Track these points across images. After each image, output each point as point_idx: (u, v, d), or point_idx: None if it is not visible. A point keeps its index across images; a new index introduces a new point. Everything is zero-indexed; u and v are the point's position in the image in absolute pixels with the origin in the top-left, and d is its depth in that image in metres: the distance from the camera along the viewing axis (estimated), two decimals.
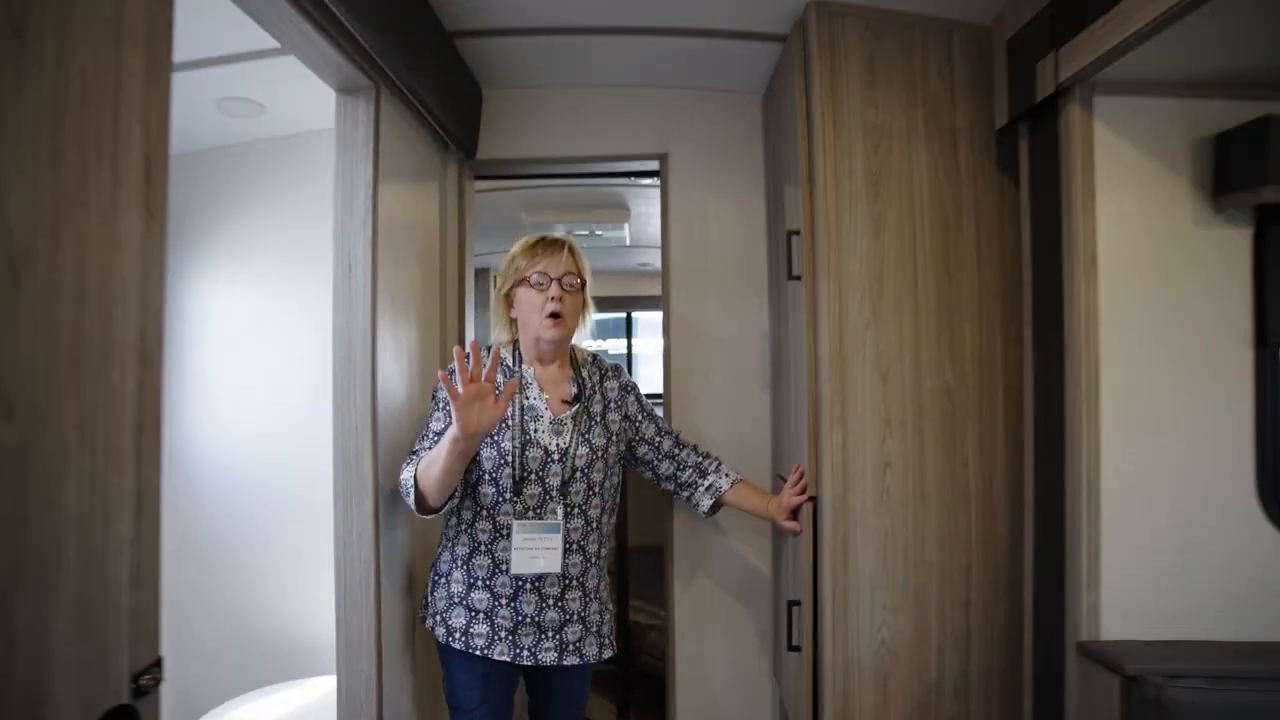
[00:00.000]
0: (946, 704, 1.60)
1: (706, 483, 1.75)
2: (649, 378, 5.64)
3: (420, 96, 1.66)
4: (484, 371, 1.35)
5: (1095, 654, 1.28)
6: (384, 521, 1.57)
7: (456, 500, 1.56)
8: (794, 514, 1.66)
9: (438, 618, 1.61)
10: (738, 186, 2.13)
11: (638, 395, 1.75)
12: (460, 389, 1.31)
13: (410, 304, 1.79)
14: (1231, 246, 1.35)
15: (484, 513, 1.57)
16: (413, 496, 1.49)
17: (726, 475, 1.76)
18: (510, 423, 1.56)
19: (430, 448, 1.50)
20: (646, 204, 3.28)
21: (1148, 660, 1.22)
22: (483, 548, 1.57)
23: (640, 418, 1.74)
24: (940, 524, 1.60)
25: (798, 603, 1.66)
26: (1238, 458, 1.34)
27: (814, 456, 1.61)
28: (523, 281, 1.59)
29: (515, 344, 1.67)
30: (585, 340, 1.75)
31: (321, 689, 1.93)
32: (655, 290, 2.41)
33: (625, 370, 1.78)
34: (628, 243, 4.15)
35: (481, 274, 3.57)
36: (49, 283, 0.62)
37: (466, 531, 1.59)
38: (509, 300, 1.65)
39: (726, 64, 1.98)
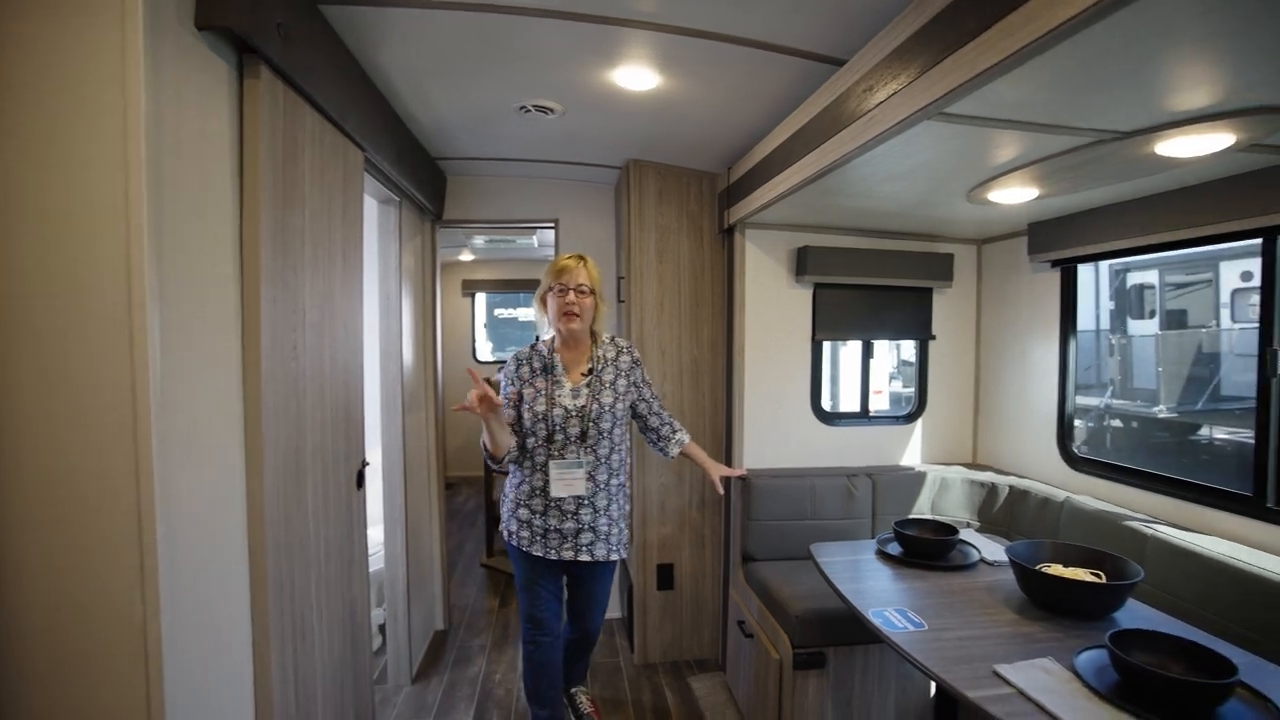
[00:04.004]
0: (693, 511, 3.27)
1: (676, 438, 2.41)
2: None
3: (420, 199, 3.06)
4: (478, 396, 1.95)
5: None
6: (398, 420, 3.04)
7: (515, 453, 2.19)
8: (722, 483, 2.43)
9: (504, 525, 2.28)
10: (600, 241, 3.65)
11: (642, 368, 2.35)
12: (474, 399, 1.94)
13: (411, 305, 3.21)
14: (803, 298, 3.03)
15: (529, 456, 2.21)
16: (484, 454, 2.19)
17: (686, 434, 2.44)
18: (543, 394, 2.19)
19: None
20: None
21: (755, 475, 2.90)
22: (527, 479, 2.22)
23: (642, 384, 2.33)
24: (691, 423, 3.22)
25: None
26: (802, 391, 3.05)
27: None
28: (549, 291, 2.19)
29: (553, 337, 2.26)
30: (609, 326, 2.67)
31: None
32: None
33: (636, 349, 2.38)
34: (535, 246, 5.59)
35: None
36: (324, 326, 2.09)
37: (522, 469, 2.23)
38: (544, 303, 2.23)
39: (592, 172, 3.46)
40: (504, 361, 8.19)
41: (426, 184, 3.11)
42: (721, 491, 2.42)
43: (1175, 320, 8.32)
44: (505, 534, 2.27)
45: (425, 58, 2.11)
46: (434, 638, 3.53)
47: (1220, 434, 6.91)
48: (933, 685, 2.37)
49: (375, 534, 3.20)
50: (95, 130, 1.14)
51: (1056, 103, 1.50)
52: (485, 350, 7.73)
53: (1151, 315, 8.47)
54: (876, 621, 1.69)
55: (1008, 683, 1.38)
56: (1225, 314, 7.64)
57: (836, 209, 2.65)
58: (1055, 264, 2.71)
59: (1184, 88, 1.43)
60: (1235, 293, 7.61)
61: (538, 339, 2.35)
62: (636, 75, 2.18)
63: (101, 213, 1.15)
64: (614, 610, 3.76)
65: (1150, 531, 2.12)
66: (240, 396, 1.50)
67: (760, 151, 2.55)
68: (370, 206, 2.92)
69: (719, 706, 2.87)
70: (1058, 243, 2.61)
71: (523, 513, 2.21)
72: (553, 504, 2.18)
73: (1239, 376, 7.18)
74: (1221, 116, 1.52)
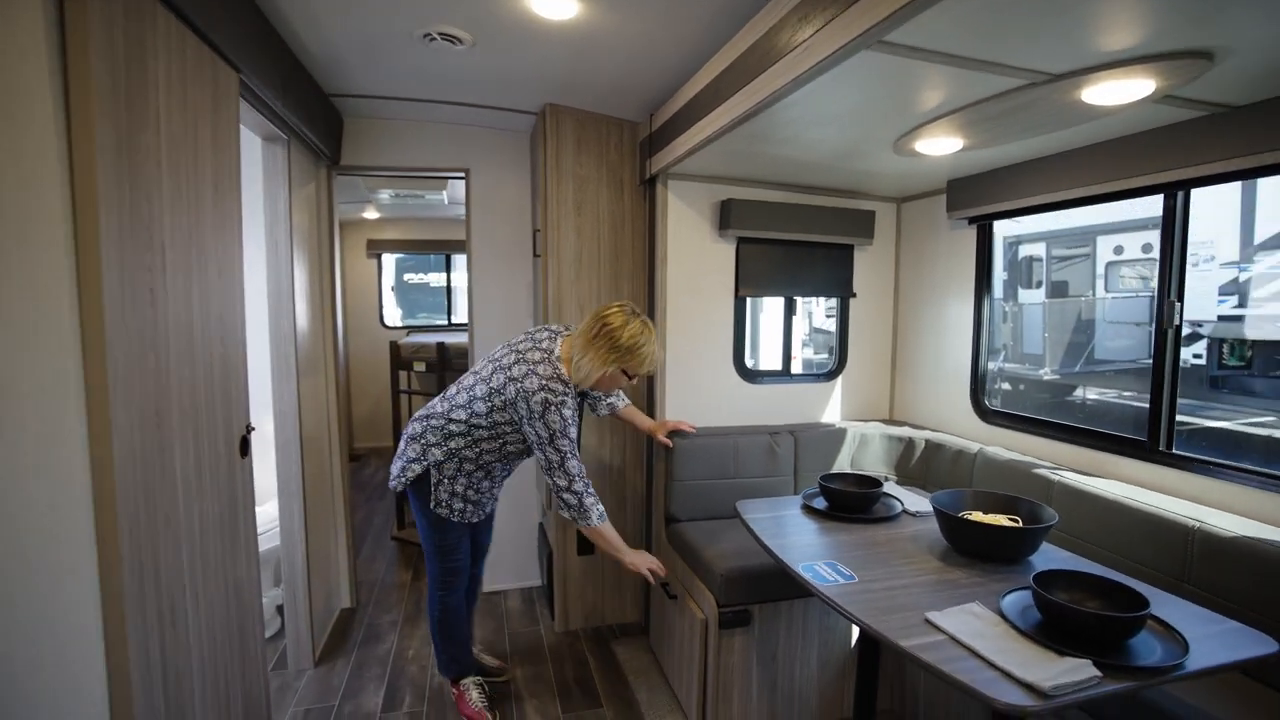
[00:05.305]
0: (615, 474, 3.17)
1: (609, 401, 2.62)
2: (461, 306, 6.87)
3: (310, 138, 2.75)
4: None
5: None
6: (292, 386, 2.76)
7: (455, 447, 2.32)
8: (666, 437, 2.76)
9: (443, 505, 2.36)
10: (514, 194, 3.44)
11: None
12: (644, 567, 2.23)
13: (305, 258, 2.91)
14: (726, 253, 2.96)
15: (504, 463, 2.39)
16: (591, 528, 2.21)
17: (622, 398, 2.67)
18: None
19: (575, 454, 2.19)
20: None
21: (678, 435, 2.83)
22: (490, 475, 2.41)
23: None
24: None
25: None
26: (725, 347, 2.99)
27: None
28: (620, 365, 2.16)
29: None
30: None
31: None
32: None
33: None
34: (446, 203, 5.26)
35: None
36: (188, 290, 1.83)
37: (484, 465, 2.35)
38: (603, 358, 2.13)
39: (506, 118, 3.23)
40: (414, 328, 7.68)
41: (319, 122, 2.79)
42: (670, 445, 2.77)
43: (1059, 290, 8.93)
44: (446, 511, 2.39)
45: None
46: (340, 616, 3.30)
47: (1092, 394, 7.49)
48: (853, 635, 2.40)
49: (272, 509, 2.93)
50: None
51: (991, 35, 1.45)
52: (394, 316, 7.30)
53: (1039, 285, 9.06)
54: (807, 576, 1.65)
55: (939, 629, 1.36)
56: (1100, 285, 8.27)
57: (763, 158, 2.56)
58: (973, 220, 2.74)
59: (1111, 28, 1.40)
60: (1109, 265, 8.23)
61: (550, 356, 2.22)
62: (553, 1, 1.99)
63: None
64: (533, 578, 3.65)
65: (1056, 477, 2.20)
66: (77, 348, 1.25)
67: (685, 94, 2.42)
68: (253, 143, 2.59)
69: (643, 670, 2.83)
70: (976, 199, 2.64)
71: (471, 494, 2.41)
72: (497, 484, 2.49)
73: (1110, 342, 7.81)
74: (1145, 60, 1.52)
